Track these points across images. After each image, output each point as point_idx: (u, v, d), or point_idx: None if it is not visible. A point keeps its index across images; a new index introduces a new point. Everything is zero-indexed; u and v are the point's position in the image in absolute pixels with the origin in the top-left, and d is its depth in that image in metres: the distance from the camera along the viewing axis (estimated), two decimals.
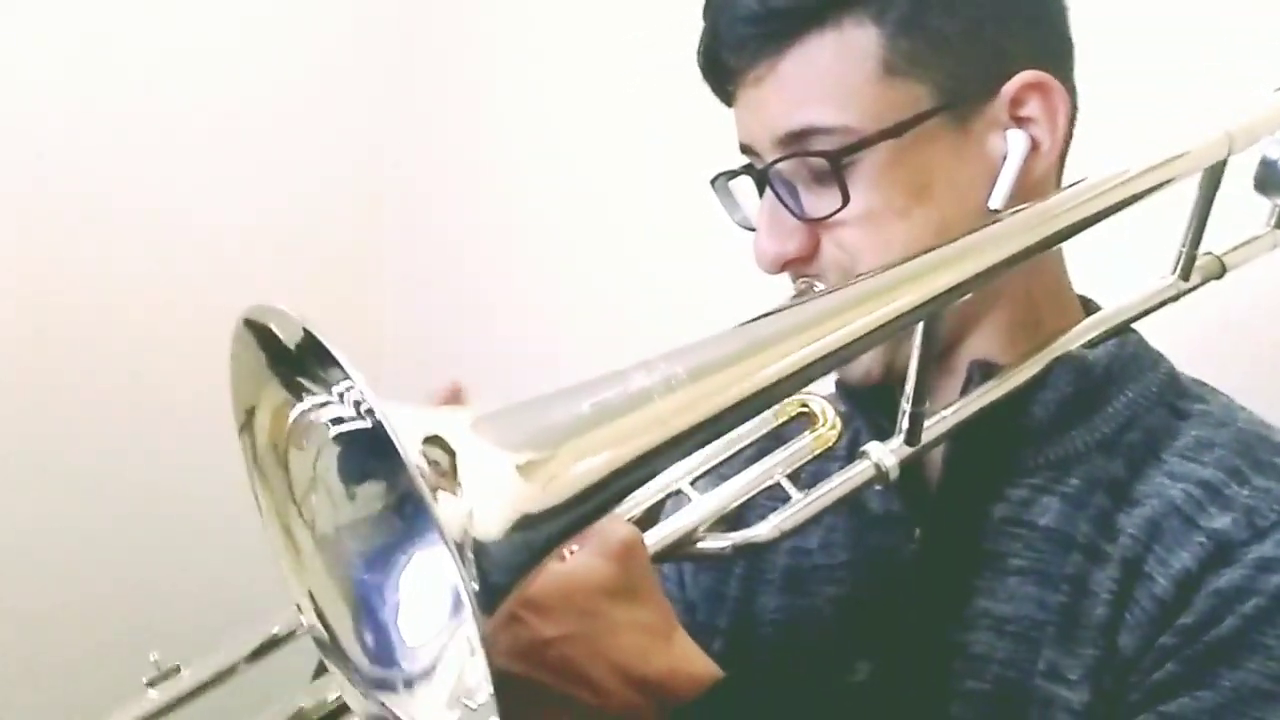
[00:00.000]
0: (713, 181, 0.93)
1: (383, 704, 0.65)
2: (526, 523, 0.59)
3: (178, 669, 0.84)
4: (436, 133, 2.01)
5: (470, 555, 0.57)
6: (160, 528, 1.76)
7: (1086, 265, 0.93)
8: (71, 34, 1.71)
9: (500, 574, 0.58)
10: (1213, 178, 0.88)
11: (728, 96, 0.90)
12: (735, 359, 0.67)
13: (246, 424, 0.66)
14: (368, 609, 0.66)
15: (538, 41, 1.86)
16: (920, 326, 0.76)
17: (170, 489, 1.76)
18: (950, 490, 0.88)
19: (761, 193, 0.88)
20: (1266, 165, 0.93)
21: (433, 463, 0.57)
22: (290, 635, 0.86)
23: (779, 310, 0.72)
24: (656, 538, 0.82)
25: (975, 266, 0.76)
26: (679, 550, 0.83)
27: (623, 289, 1.70)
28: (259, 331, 0.64)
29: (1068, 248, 0.92)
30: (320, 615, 0.68)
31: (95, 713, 0.83)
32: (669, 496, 0.88)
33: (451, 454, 0.58)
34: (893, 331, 0.74)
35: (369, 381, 0.58)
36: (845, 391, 0.94)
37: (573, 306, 1.78)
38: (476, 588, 0.56)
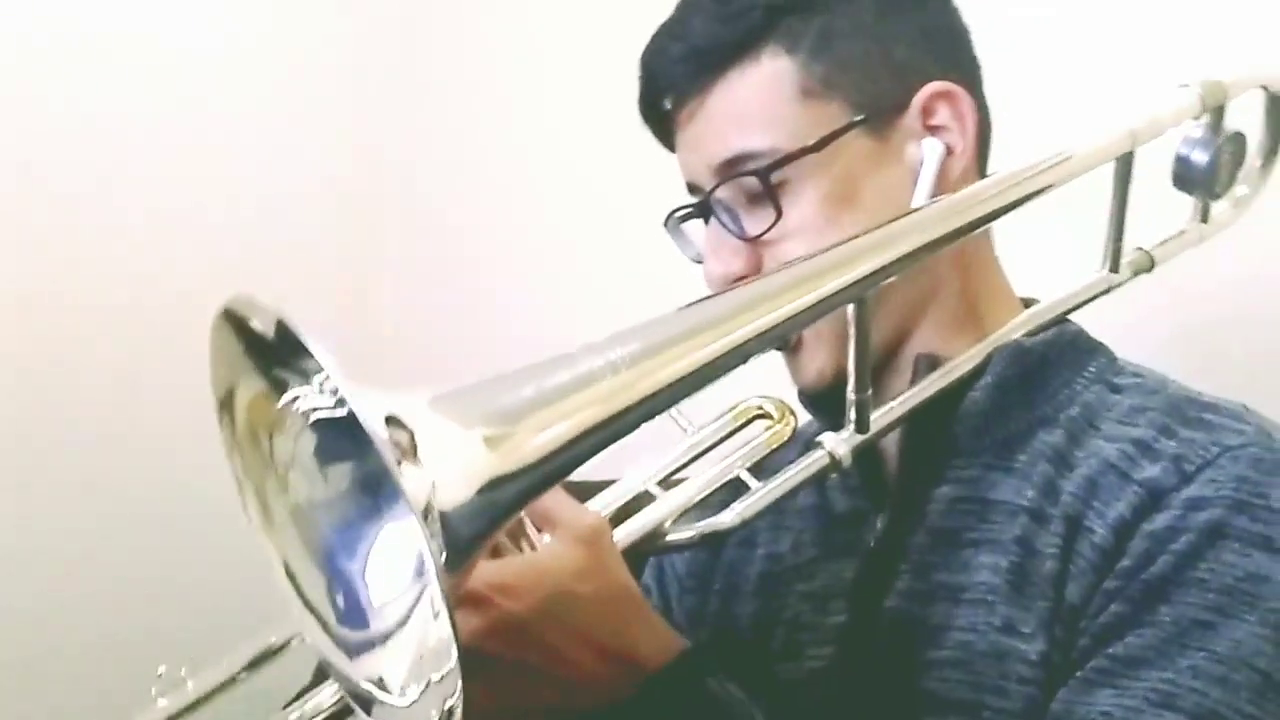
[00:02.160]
0: (665, 222, 1.01)
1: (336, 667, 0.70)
2: (494, 484, 0.64)
3: (183, 680, 0.89)
4: (437, 132, 2.03)
5: (436, 521, 0.62)
6: (158, 528, 1.74)
7: (1029, 266, 0.99)
8: (70, 33, 1.72)
9: (463, 536, 0.63)
10: (1124, 172, 0.94)
11: (669, 140, 0.99)
12: (673, 342, 0.74)
13: (226, 404, 0.71)
14: (339, 574, 0.71)
15: (538, 40, 1.90)
16: (851, 312, 0.82)
17: (169, 490, 1.73)
18: (904, 478, 0.94)
19: (707, 221, 0.96)
20: (1180, 161, 0.98)
21: (395, 442, 0.62)
22: (286, 645, 0.91)
23: (717, 295, 0.78)
24: (625, 532, 0.88)
25: (895, 251, 0.82)
26: (648, 544, 0.89)
27: (624, 288, 1.69)
28: (237, 323, 0.68)
29: (1007, 251, 0.99)
30: (292, 578, 0.72)
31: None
32: (639, 498, 0.94)
33: (410, 432, 0.63)
34: (824, 311, 0.80)
35: (340, 367, 0.63)
36: (806, 400, 0.99)
37: (574, 306, 1.79)
38: (441, 548, 0.61)
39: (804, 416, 1.00)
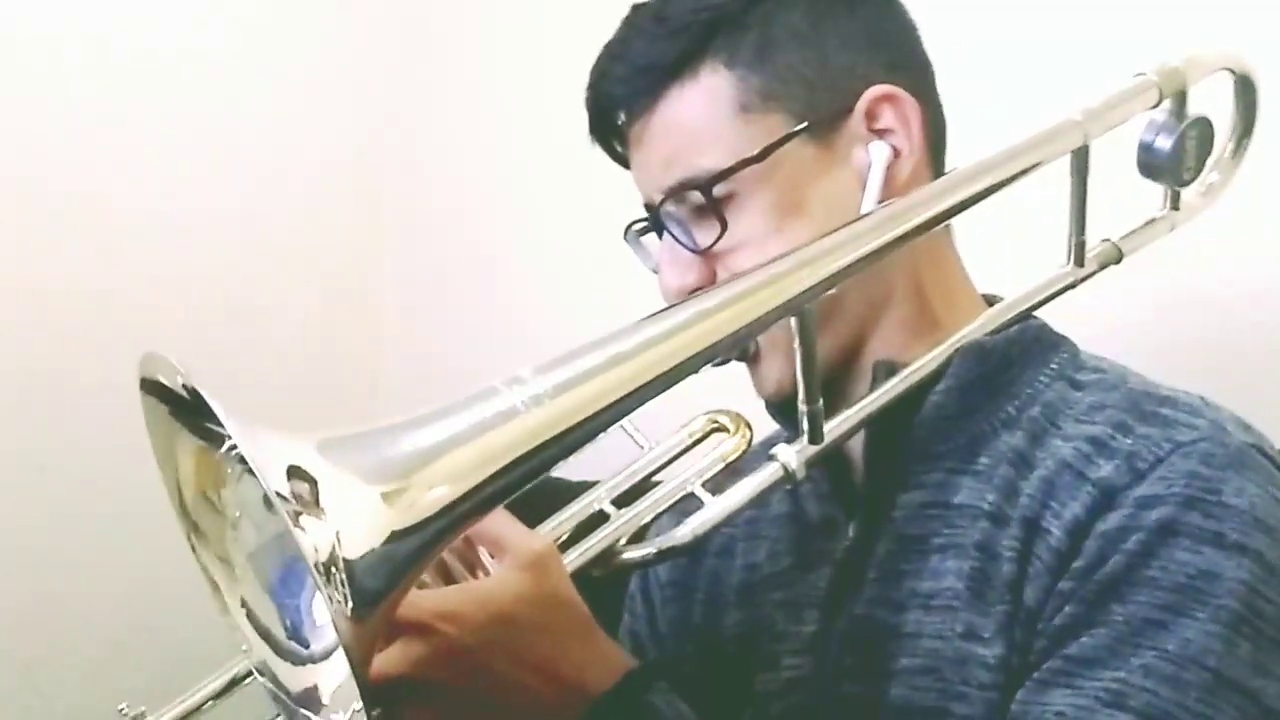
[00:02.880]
0: (625, 234, 1.01)
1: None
2: (394, 538, 0.64)
3: (143, 714, 0.89)
4: (437, 131, 2.03)
5: (341, 573, 0.62)
6: (156, 526, 1.75)
7: (993, 265, 0.97)
8: (70, 31, 1.72)
9: (371, 583, 0.63)
10: (1080, 165, 0.91)
11: (621, 159, 0.98)
12: (601, 370, 0.73)
13: (177, 490, 0.74)
14: (286, 604, 0.73)
15: (539, 39, 1.89)
16: (794, 324, 0.81)
17: (163, 494, 1.74)
18: (872, 485, 0.93)
19: (660, 236, 0.95)
20: (1144, 148, 0.95)
21: (295, 494, 0.62)
22: (250, 676, 0.91)
23: (658, 313, 0.78)
24: (578, 553, 0.87)
25: (834, 265, 0.81)
26: (604, 562, 0.88)
27: (624, 288, 1.70)
28: (155, 388, 0.69)
29: (970, 248, 0.97)
30: (247, 609, 0.74)
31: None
32: (593, 517, 0.93)
33: (313, 481, 0.63)
34: (762, 327, 0.79)
35: (241, 417, 0.63)
36: (772, 409, 0.98)
37: (574, 306, 1.76)
38: (347, 601, 0.61)
39: (765, 427, 0.99)
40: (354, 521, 0.63)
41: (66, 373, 1.70)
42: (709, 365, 0.79)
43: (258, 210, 1.92)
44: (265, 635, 0.74)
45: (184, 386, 0.66)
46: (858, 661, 0.89)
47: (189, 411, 0.69)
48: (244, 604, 0.74)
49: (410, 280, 2.07)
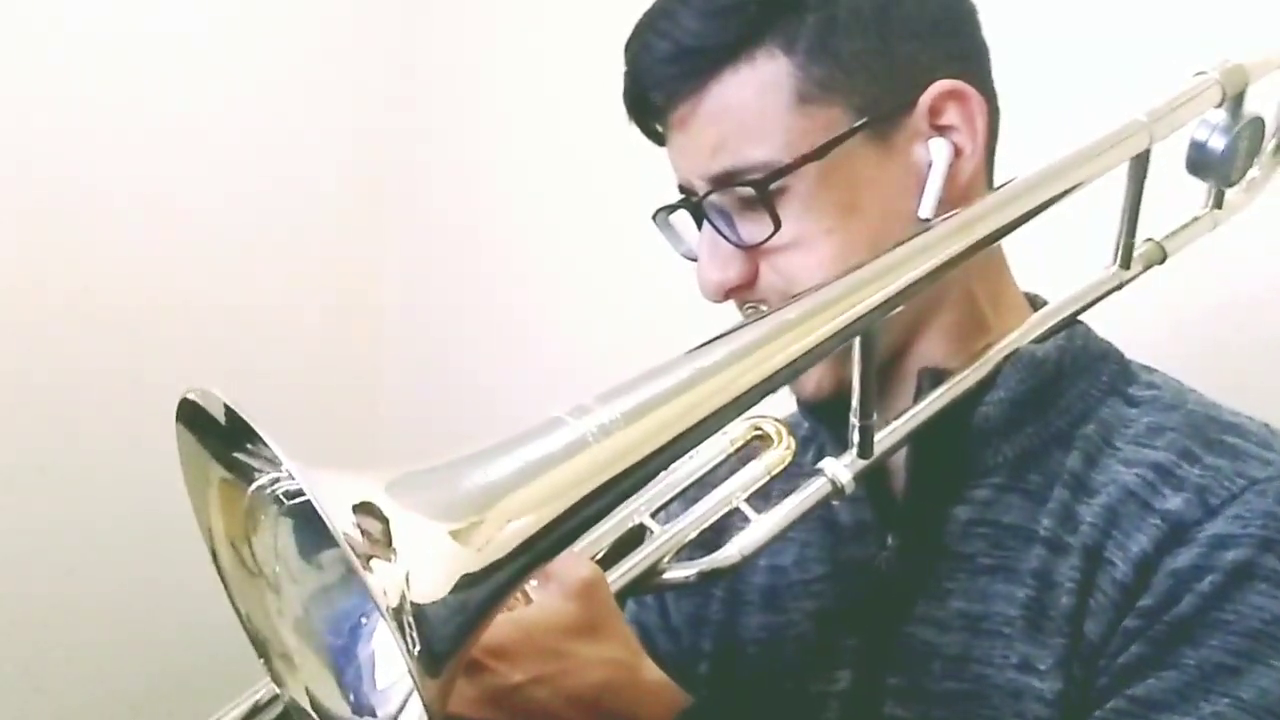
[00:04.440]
0: (653, 217, 0.95)
1: None
2: (466, 583, 0.59)
3: None
4: (438, 130, 2.00)
5: (409, 619, 0.57)
6: (156, 526, 1.72)
7: (1030, 262, 0.94)
8: (69, 26, 1.70)
9: (443, 632, 0.58)
10: (1139, 166, 0.88)
11: (657, 137, 0.92)
12: (667, 398, 0.68)
13: (210, 542, 0.68)
14: (343, 669, 0.67)
15: (541, 37, 1.85)
16: (858, 341, 0.77)
17: (163, 495, 1.73)
18: (915, 497, 0.89)
19: (699, 225, 0.90)
20: (1196, 147, 0.93)
21: (365, 532, 0.57)
22: (274, 700, 0.87)
23: (713, 340, 0.73)
24: (619, 573, 0.83)
25: (904, 280, 0.76)
26: (644, 584, 0.84)
27: (625, 287, 1.69)
28: (192, 419, 0.64)
29: (1009, 246, 0.93)
30: (310, 696, 0.68)
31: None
32: (632, 532, 0.89)
33: (385, 520, 0.58)
34: (828, 351, 0.75)
35: (298, 455, 0.58)
36: (806, 409, 0.94)
37: (574, 306, 1.78)
38: (416, 650, 0.57)
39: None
40: (425, 563, 0.58)
41: (66, 373, 1.70)
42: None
43: (259, 212, 1.90)
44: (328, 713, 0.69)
45: (231, 423, 0.61)
46: (903, 682, 0.86)
47: (229, 445, 0.65)
48: (308, 692, 0.69)
49: (411, 282, 2.05)
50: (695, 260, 0.91)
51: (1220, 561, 0.76)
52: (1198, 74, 0.90)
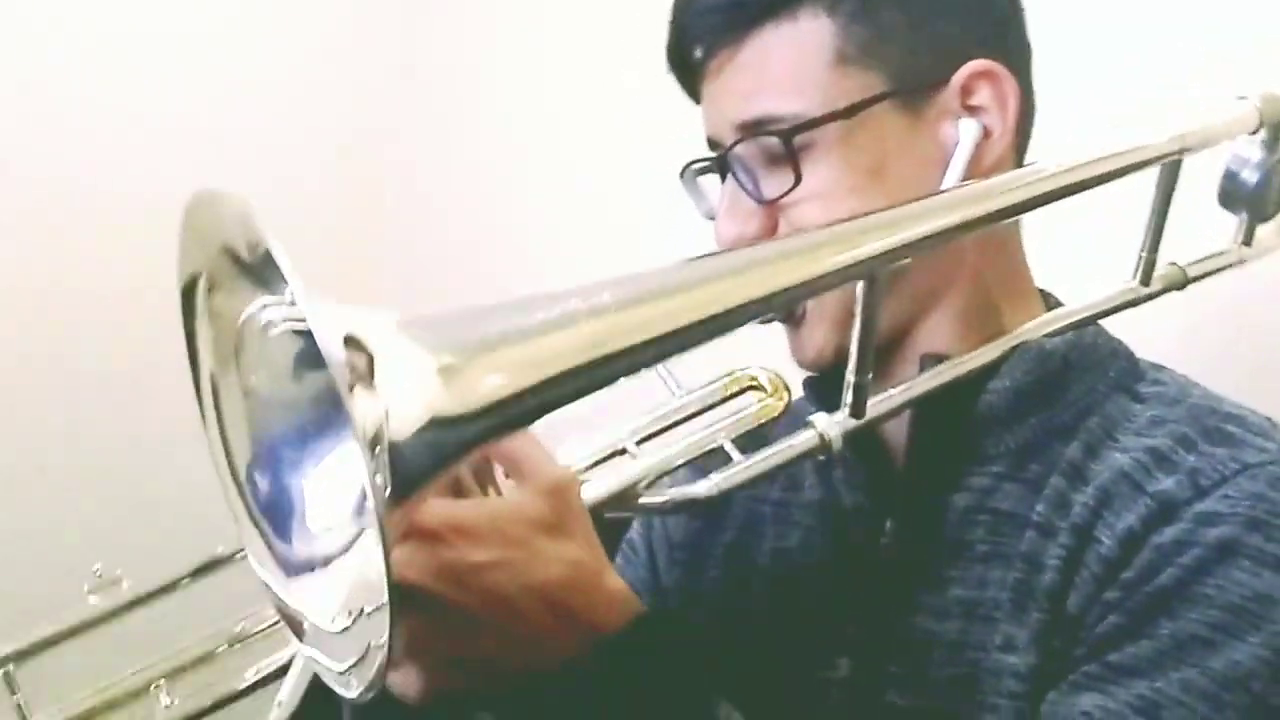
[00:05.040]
0: (681, 173, 0.96)
1: (269, 585, 0.67)
2: (439, 424, 0.60)
3: (119, 579, 0.86)
4: (438, 129, 2.02)
5: (384, 453, 0.58)
6: (156, 526, 1.70)
7: (1054, 264, 0.94)
8: (68, 27, 1.71)
9: (412, 471, 0.59)
10: (1168, 178, 0.88)
11: (695, 92, 0.94)
12: (664, 294, 0.69)
13: (190, 288, 0.70)
14: (286, 487, 0.68)
15: (540, 35, 1.87)
16: (861, 289, 0.78)
17: (163, 494, 1.72)
18: (914, 482, 0.89)
19: (723, 179, 0.91)
20: (1229, 178, 0.94)
21: (351, 364, 0.59)
22: (233, 556, 0.88)
23: (720, 253, 0.74)
24: (596, 489, 0.83)
25: (914, 231, 0.78)
26: (619, 503, 0.84)
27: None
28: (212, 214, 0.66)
29: (1035, 244, 0.94)
30: (238, 482, 0.69)
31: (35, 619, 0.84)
32: (615, 454, 0.90)
33: (370, 356, 0.59)
34: (830, 285, 0.76)
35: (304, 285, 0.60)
36: (807, 383, 0.95)
37: None
38: (387, 481, 0.58)
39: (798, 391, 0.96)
40: (406, 398, 0.59)
41: (66, 373, 1.71)
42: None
43: (257, 205, 1.88)
44: (255, 520, 0.70)
45: (245, 236, 0.62)
46: (903, 670, 0.86)
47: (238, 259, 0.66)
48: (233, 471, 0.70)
49: (411, 282, 2.02)
50: (714, 219, 0.92)
51: (1205, 537, 0.76)
52: (1239, 98, 0.91)
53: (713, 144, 0.93)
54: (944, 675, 0.84)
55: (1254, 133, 0.91)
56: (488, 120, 1.96)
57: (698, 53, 0.90)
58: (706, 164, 0.94)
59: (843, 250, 0.75)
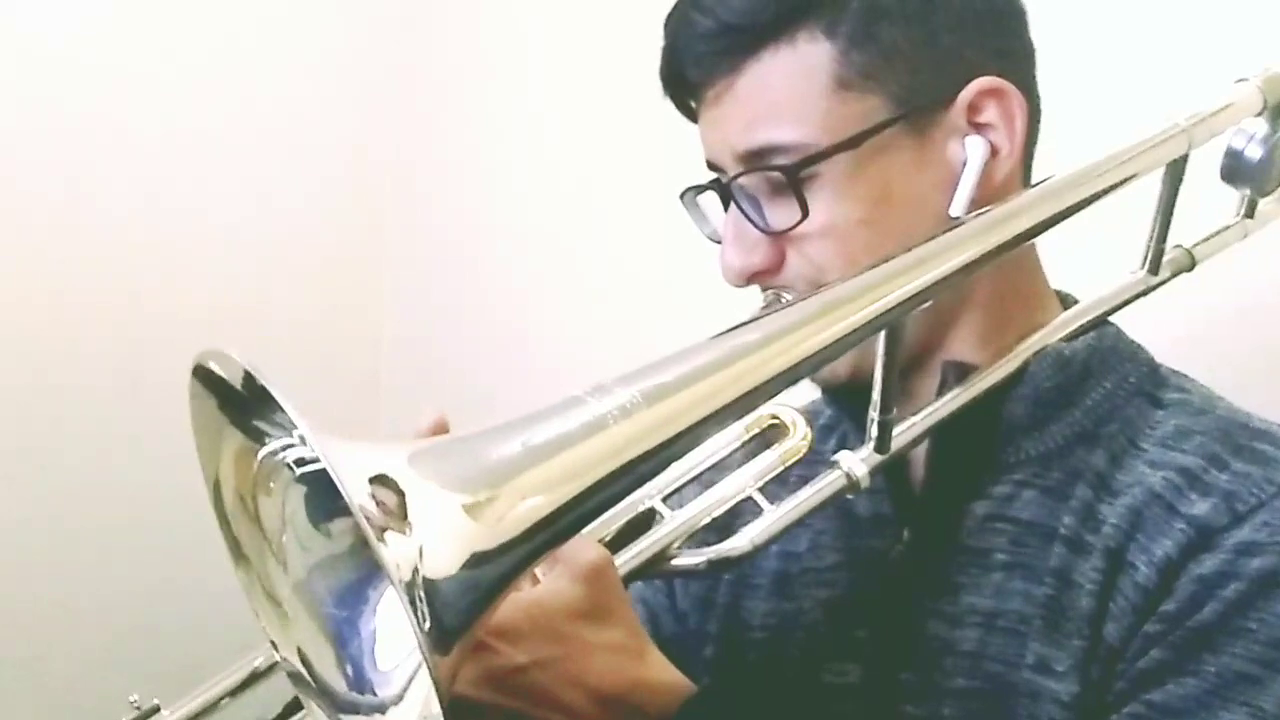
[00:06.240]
0: (681, 196, 0.94)
1: None
2: (477, 560, 0.58)
3: (157, 709, 0.84)
4: (437, 134, 2.00)
5: (421, 593, 0.56)
6: (154, 529, 1.75)
7: (1060, 261, 0.92)
8: (70, 30, 1.69)
9: (453, 609, 0.57)
10: (1175, 172, 0.87)
11: (691, 113, 0.91)
12: (690, 381, 0.67)
13: (215, 488, 0.66)
14: (344, 642, 0.66)
15: (540, 43, 1.85)
16: (882, 335, 0.76)
17: (162, 495, 1.67)
18: (934, 490, 0.88)
19: (726, 207, 0.89)
20: (1231, 155, 0.92)
21: (380, 503, 0.57)
22: (273, 668, 0.86)
23: (738, 326, 0.72)
24: (628, 557, 0.82)
25: (933, 274, 0.76)
26: (653, 569, 0.83)
27: (624, 290, 1.69)
28: (208, 379, 0.63)
29: (1041, 244, 0.92)
30: (303, 658, 0.67)
31: None
32: (642, 515, 0.88)
33: (400, 493, 0.57)
34: (854, 343, 0.74)
35: (314, 423, 0.58)
36: (828, 394, 0.93)
37: (575, 307, 1.77)
38: (426, 626, 0.56)
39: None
40: (438, 538, 0.58)
41: (66, 372, 1.70)
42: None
43: (260, 214, 1.90)
44: (324, 689, 0.68)
45: (247, 387, 0.60)
46: (915, 678, 0.85)
47: (242, 410, 0.64)
48: (300, 653, 0.68)
49: (411, 284, 2.04)
50: (719, 243, 0.90)
51: (1245, 569, 0.75)
52: (1239, 81, 0.89)
53: (712, 166, 0.90)
54: (957, 685, 0.83)
55: (1259, 114, 0.89)
56: (488, 124, 1.93)
57: (695, 80, 0.88)
58: (706, 188, 0.91)
59: (865, 305, 0.73)
